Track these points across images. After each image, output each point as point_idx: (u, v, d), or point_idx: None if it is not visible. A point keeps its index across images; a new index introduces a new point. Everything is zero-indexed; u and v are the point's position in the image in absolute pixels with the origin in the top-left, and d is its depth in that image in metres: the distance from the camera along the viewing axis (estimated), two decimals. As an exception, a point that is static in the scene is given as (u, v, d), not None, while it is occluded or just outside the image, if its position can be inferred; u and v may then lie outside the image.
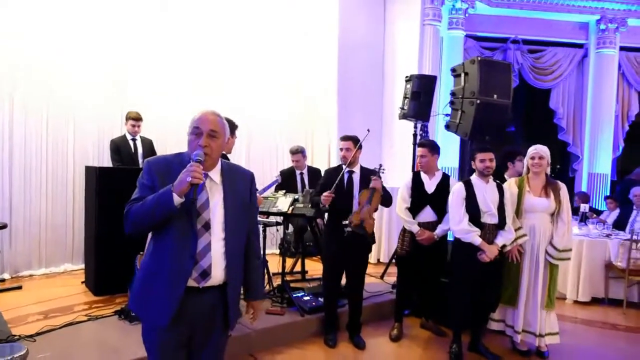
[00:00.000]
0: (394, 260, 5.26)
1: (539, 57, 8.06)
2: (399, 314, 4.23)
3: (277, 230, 5.62)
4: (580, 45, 8.18)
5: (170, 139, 5.93)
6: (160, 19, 5.98)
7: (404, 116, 5.25)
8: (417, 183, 4.08)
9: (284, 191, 4.49)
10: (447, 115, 5.06)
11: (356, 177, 3.90)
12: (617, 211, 6.56)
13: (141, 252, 3.50)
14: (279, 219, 4.75)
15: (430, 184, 4.06)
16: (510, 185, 3.84)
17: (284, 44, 6.87)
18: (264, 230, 4.38)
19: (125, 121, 5.35)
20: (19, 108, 5.18)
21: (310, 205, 4.11)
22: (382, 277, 5.42)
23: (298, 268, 5.52)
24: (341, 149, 3.96)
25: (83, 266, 5.17)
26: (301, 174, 5.55)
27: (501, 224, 3.60)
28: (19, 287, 4.75)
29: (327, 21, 6.87)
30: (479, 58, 4.71)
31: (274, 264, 5.08)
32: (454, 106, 4.87)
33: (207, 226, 1.93)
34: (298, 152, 5.50)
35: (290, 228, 5.86)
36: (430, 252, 3.98)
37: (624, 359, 4.06)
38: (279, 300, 4.35)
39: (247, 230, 2.12)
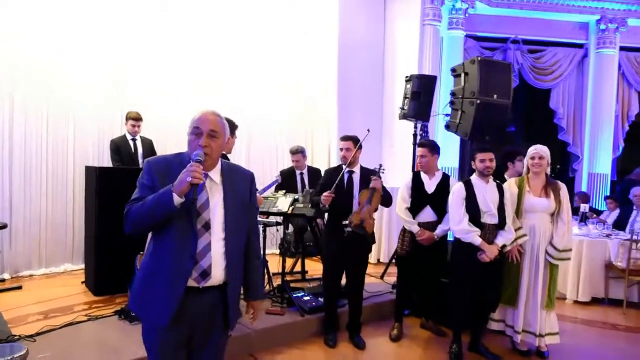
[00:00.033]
0: (394, 260, 5.26)
1: (539, 57, 8.06)
2: (399, 314, 4.23)
3: (277, 230, 5.62)
4: (580, 45, 8.18)
5: (170, 139, 5.94)
6: (160, 19, 5.98)
7: (404, 116, 5.25)
8: (417, 183, 4.08)
9: (284, 191, 4.49)
10: (447, 115, 5.06)
11: (356, 177, 3.90)
12: (617, 211, 6.56)
13: (141, 252, 3.50)
14: (279, 219, 4.75)
15: (430, 184, 4.06)
16: (510, 185, 3.84)
17: (284, 44, 6.87)
18: (264, 230, 4.38)
19: (125, 121, 5.35)
20: (19, 108, 5.18)
21: (310, 205, 4.11)
22: (382, 277, 5.42)
23: (298, 268, 5.52)
24: (341, 149, 3.96)
25: (83, 266, 5.17)
26: (301, 174, 5.55)
27: (501, 224, 3.60)
28: (19, 287, 4.75)
29: (327, 21, 6.87)
30: (479, 58, 4.71)
31: (274, 264, 5.08)
32: (454, 106, 4.87)
33: (207, 226, 1.93)
34: (298, 152, 5.50)
35: (290, 228, 5.86)
36: (430, 252, 3.98)
37: (624, 359, 4.06)
38: (279, 300, 4.35)
39: (247, 230, 2.12)
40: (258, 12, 6.66)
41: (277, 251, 6.24)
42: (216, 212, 1.95)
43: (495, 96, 4.64)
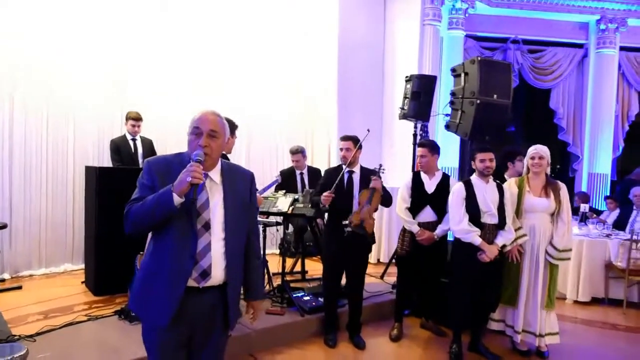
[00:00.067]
0: (394, 260, 5.26)
1: (539, 57, 8.06)
2: (399, 314, 4.23)
3: (277, 230, 5.62)
4: (580, 45, 8.18)
5: (170, 139, 5.94)
6: (160, 19, 5.98)
7: (404, 116, 5.25)
8: (417, 183, 4.08)
9: (284, 191, 4.49)
10: (447, 115, 5.06)
11: (356, 177, 3.90)
12: (617, 211, 6.56)
13: (141, 252, 3.50)
14: (279, 219, 4.75)
15: (430, 184, 4.06)
16: (510, 185, 3.84)
17: (284, 44, 6.87)
18: (264, 230, 4.38)
19: (125, 121, 5.35)
20: (19, 108, 5.18)
21: (310, 205, 4.11)
22: (382, 277, 5.42)
23: (298, 268, 5.52)
24: (341, 149, 3.96)
25: (83, 266, 5.17)
26: (301, 174, 5.55)
27: (501, 224, 3.60)
28: (19, 287, 4.75)
29: (327, 21, 6.87)
30: (479, 58, 4.71)
31: (274, 264, 5.08)
32: (454, 106, 4.87)
33: (207, 226, 1.93)
34: (298, 152, 5.50)
35: (290, 228, 5.86)
36: (430, 252, 3.98)
37: (624, 359, 4.06)
38: (279, 300, 4.35)
39: (247, 230, 2.12)
40: (258, 12, 6.66)
41: (277, 251, 6.24)
42: (216, 212, 1.95)
43: (495, 96, 4.64)
